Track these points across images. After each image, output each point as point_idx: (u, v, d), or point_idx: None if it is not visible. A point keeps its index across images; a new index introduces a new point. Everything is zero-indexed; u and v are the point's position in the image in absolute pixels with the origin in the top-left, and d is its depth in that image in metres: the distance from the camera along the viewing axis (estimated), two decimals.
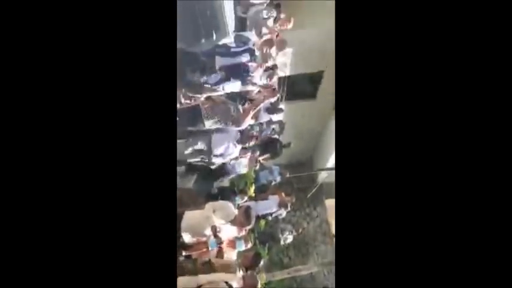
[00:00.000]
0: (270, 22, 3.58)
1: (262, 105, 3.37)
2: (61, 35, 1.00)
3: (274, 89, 3.78)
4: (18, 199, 0.98)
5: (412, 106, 1.07)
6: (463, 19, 1.04)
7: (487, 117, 1.03)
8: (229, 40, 3.16)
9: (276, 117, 4.90)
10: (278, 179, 5.59)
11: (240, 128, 3.12)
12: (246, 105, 3.22)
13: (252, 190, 4.92)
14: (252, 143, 3.10)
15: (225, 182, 4.42)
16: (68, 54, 1.01)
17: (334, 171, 6.77)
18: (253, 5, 3.47)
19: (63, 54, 1.00)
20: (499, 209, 1.03)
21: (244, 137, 3.01)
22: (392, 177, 1.08)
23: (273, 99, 3.94)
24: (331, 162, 6.77)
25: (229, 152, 2.97)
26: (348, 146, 1.14)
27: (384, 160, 1.09)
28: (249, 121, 3.13)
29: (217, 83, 2.51)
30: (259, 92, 3.42)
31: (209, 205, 2.44)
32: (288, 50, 5.11)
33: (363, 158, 1.11)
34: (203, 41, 2.71)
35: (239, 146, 3.01)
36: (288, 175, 5.78)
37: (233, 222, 2.39)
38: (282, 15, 3.85)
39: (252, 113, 3.00)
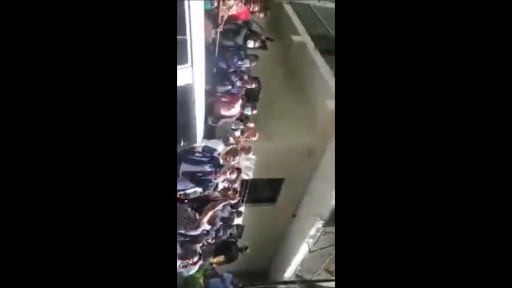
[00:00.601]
0: (237, 133, 3.93)
1: (220, 206, 3.35)
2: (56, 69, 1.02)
3: (235, 191, 3.85)
4: (16, 194, 0.95)
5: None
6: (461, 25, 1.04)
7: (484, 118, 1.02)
8: (197, 144, 3.36)
9: (235, 220, 4.82)
10: None
11: (194, 233, 2.98)
12: (204, 208, 3.17)
13: None
14: (195, 260, 2.77)
15: None
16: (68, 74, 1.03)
17: (293, 285, 6.35)
18: (224, 117, 3.85)
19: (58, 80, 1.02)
20: (499, 209, 1.00)
21: (187, 251, 2.70)
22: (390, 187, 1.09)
23: (233, 201, 3.95)
24: (288, 274, 6.42)
25: None
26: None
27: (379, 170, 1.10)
28: (205, 225, 3.03)
29: (179, 189, 2.51)
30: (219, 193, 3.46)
31: None
32: (252, 156, 5.49)
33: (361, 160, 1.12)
34: None
35: (179, 262, 2.68)
36: (241, 285, 5.31)
37: None
38: (251, 125, 4.27)
39: (209, 215, 2.94)
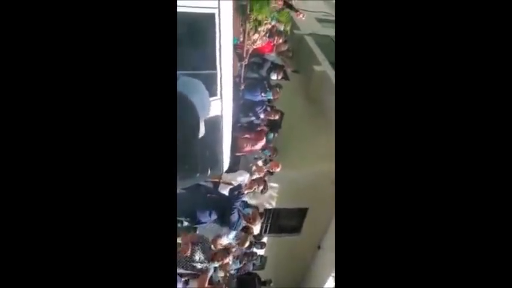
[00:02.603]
0: (260, 162, 3.96)
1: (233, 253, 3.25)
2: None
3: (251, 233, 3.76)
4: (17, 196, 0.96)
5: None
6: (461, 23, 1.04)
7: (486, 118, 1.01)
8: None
9: (258, 251, 4.71)
10: None
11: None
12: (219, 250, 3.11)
13: None
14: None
15: None
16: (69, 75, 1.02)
17: None
18: (248, 152, 3.91)
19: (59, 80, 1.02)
20: (499, 209, 0.99)
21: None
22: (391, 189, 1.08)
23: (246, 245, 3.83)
24: None
25: None
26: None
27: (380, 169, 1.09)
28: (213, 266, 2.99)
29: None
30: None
31: None
32: (275, 185, 5.44)
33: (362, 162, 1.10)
34: (198, 175, 2.91)
35: None
36: None
37: None
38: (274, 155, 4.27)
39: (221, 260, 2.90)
